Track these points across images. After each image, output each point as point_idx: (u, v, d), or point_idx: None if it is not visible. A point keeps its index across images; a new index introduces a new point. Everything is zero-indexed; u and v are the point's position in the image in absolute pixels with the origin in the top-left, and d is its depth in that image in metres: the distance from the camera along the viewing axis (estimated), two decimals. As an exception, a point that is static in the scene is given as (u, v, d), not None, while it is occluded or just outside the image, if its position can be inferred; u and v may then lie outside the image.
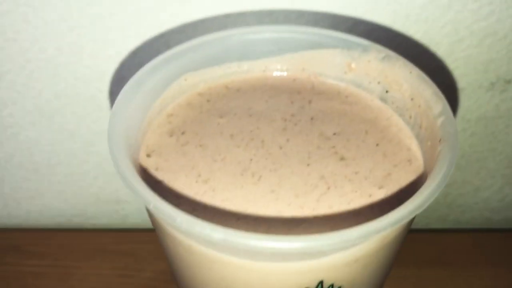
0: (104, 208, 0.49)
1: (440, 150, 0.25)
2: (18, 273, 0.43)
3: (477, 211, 0.50)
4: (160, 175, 0.28)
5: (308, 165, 0.28)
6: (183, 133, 0.30)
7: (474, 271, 0.42)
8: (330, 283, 0.25)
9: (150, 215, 0.27)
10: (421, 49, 0.39)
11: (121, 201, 0.48)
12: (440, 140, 0.26)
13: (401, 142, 0.29)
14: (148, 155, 0.29)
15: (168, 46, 0.38)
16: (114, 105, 0.27)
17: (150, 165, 0.28)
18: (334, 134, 0.30)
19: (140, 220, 0.49)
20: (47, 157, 0.45)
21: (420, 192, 0.23)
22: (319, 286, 0.24)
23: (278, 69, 0.33)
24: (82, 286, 0.42)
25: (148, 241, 0.44)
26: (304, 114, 0.31)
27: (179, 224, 0.22)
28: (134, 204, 0.49)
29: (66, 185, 0.47)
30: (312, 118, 0.31)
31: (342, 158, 0.28)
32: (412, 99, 0.30)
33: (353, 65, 0.32)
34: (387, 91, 0.31)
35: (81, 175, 0.46)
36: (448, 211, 0.49)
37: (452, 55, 0.40)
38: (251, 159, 0.28)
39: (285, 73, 0.34)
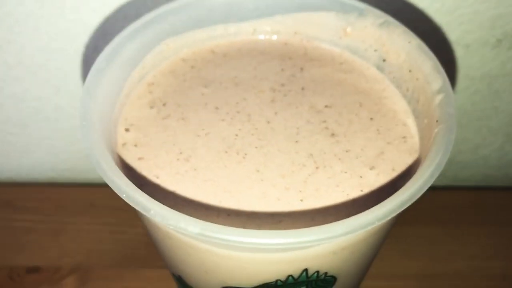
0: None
1: (436, 132, 0.23)
2: (9, 228, 0.43)
3: (476, 168, 0.49)
4: (139, 152, 0.26)
5: (296, 142, 0.26)
6: (164, 104, 0.28)
7: (470, 228, 0.42)
8: (314, 270, 0.24)
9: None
10: (424, 6, 0.37)
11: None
12: (437, 121, 0.24)
13: (396, 116, 0.28)
14: (127, 129, 0.27)
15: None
16: (87, 79, 0.25)
17: (129, 140, 0.27)
18: (326, 106, 0.28)
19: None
20: (34, 112, 0.44)
21: (412, 182, 0.21)
22: (303, 274, 0.23)
23: (267, 31, 0.31)
24: (74, 242, 0.42)
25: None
26: (295, 83, 0.29)
27: (153, 216, 0.20)
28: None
29: (55, 140, 0.46)
30: (303, 88, 0.29)
31: (332, 134, 0.27)
32: (410, 71, 0.27)
33: (348, 30, 0.30)
34: (384, 60, 0.29)
35: (70, 131, 0.45)
36: (447, 168, 0.47)
37: (457, 11, 0.37)
38: (236, 135, 0.27)
39: (275, 37, 0.32)
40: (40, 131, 0.45)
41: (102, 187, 0.46)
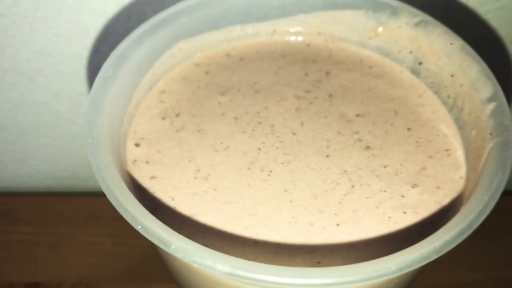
0: (97, 171, 0.46)
1: (491, 147, 0.21)
2: (6, 241, 0.41)
3: None
4: (151, 169, 0.24)
5: (327, 156, 0.24)
6: (177, 115, 0.26)
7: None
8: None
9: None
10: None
11: (115, 165, 0.46)
12: (491, 134, 0.21)
13: (436, 126, 0.25)
14: (137, 144, 0.25)
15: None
16: (92, 90, 0.23)
17: (140, 157, 0.24)
18: (357, 115, 0.26)
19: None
20: (32, 119, 0.42)
21: (471, 205, 0.19)
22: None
23: (289, 32, 0.29)
24: (75, 255, 0.40)
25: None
26: (321, 89, 0.27)
27: (174, 252, 0.18)
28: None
29: (54, 147, 0.44)
30: (330, 95, 0.26)
31: (367, 147, 0.24)
32: (452, 75, 0.25)
33: (380, 30, 0.27)
34: (420, 63, 0.27)
35: (69, 137, 0.44)
36: None
37: (484, 7, 0.35)
38: (259, 149, 0.24)
39: (298, 37, 0.29)
40: (38, 139, 0.44)
41: (104, 196, 0.44)
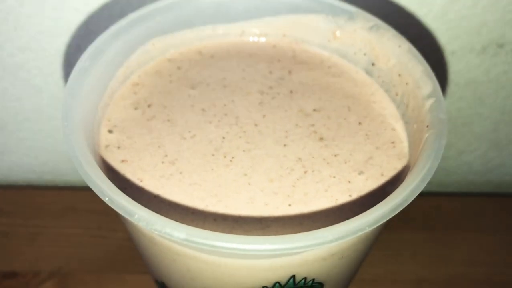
0: (76, 165, 0.47)
1: (427, 137, 0.23)
2: (-16, 232, 0.41)
3: (460, 174, 0.49)
4: (122, 154, 0.25)
5: (284, 145, 0.26)
6: (149, 105, 0.28)
7: (455, 234, 0.42)
8: (302, 277, 0.23)
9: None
10: (413, 10, 0.37)
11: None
12: (427, 126, 0.24)
13: (385, 121, 0.27)
14: (110, 131, 0.26)
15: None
16: (69, 79, 0.24)
17: (112, 142, 0.26)
18: (314, 110, 0.28)
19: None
20: (14, 112, 0.43)
21: (403, 187, 0.21)
22: (291, 281, 0.23)
23: (256, 33, 0.31)
24: (53, 246, 0.41)
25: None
26: (283, 86, 0.29)
27: (137, 221, 0.20)
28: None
29: (35, 141, 0.45)
30: (291, 91, 0.29)
31: (321, 138, 0.26)
32: (399, 75, 0.27)
33: (337, 33, 0.29)
34: (373, 64, 0.29)
35: (50, 132, 0.45)
36: (431, 174, 0.48)
37: (444, 17, 0.37)
38: (223, 138, 0.26)
39: (264, 39, 0.31)
40: (19, 132, 0.44)
41: (83, 190, 0.46)
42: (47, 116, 0.43)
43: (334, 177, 0.25)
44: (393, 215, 0.20)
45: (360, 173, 0.25)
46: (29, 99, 0.42)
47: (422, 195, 0.21)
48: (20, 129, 0.44)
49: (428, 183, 0.22)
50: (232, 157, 0.25)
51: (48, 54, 0.39)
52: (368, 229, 0.20)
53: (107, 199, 0.20)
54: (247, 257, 0.21)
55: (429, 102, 0.25)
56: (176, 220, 0.20)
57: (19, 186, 0.47)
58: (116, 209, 0.20)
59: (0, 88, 0.41)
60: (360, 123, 0.27)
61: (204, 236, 0.19)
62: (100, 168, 0.22)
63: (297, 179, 0.25)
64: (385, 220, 0.20)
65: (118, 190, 0.21)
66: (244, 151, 0.26)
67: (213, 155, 0.25)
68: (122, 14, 0.35)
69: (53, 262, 0.40)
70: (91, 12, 0.37)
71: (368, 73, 0.30)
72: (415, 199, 0.21)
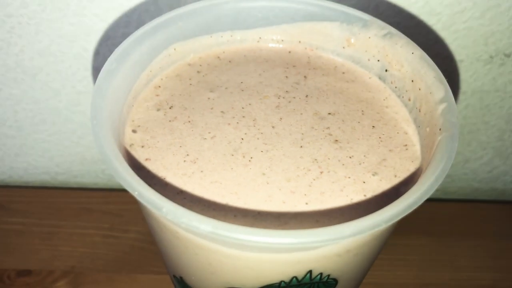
0: (90, 167, 0.48)
1: (439, 140, 0.24)
2: (1, 231, 0.42)
3: (465, 181, 0.50)
4: (146, 153, 0.26)
5: (301, 147, 0.27)
6: (171, 107, 0.29)
7: (460, 240, 0.43)
8: (318, 272, 0.24)
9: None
10: (421, 19, 0.38)
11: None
12: (440, 129, 0.25)
13: (398, 125, 0.28)
14: (134, 131, 0.27)
15: (157, 5, 0.36)
16: (98, 79, 0.25)
17: (136, 141, 0.27)
18: (329, 113, 0.29)
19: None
20: (31, 115, 0.44)
21: (418, 186, 0.22)
22: (307, 276, 0.24)
23: (273, 40, 0.32)
24: (66, 245, 0.42)
25: (134, 201, 0.43)
26: (299, 90, 0.30)
27: (165, 214, 0.21)
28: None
29: (50, 143, 0.46)
30: (307, 96, 0.30)
31: (336, 141, 0.27)
32: (412, 81, 0.28)
33: (352, 40, 0.31)
34: (386, 70, 0.30)
35: (66, 134, 0.45)
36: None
37: (452, 26, 0.38)
38: (242, 139, 0.27)
39: (280, 45, 0.32)
40: (35, 134, 0.45)
41: (96, 191, 0.47)
42: (63, 119, 0.44)
43: (349, 177, 0.26)
44: (408, 213, 0.21)
45: (374, 174, 0.26)
46: (46, 102, 0.43)
47: (428, 201, 0.22)
48: (36, 131, 0.45)
49: (435, 190, 0.23)
50: (251, 157, 0.26)
51: (67, 58, 0.40)
52: (384, 226, 0.21)
53: (136, 193, 0.21)
54: (268, 250, 0.22)
55: (441, 107, 0.26)
56: (198, 216, 0.21)
57: (34, 187, 0.49)
58: (145, 203, 0.21)
59: (19, 90, 0.42)
60: (373, 127, 0.28)
61: (230, 229, 0.20)
62: (126, 165, 0.23)
63: (314, 179, 0.26)
64: (400, 217, 0.21)
65: (147, 185, 0.22)
66: (262, 151, 0.27)
67: (232, 155, 0.27)
68: (139, 21, 0.37)
69: (66, 261, 0.41)
70: (110, 18, 0.38)
71: (381, 78, 0.31)
72: (421, 205, 0.22)
